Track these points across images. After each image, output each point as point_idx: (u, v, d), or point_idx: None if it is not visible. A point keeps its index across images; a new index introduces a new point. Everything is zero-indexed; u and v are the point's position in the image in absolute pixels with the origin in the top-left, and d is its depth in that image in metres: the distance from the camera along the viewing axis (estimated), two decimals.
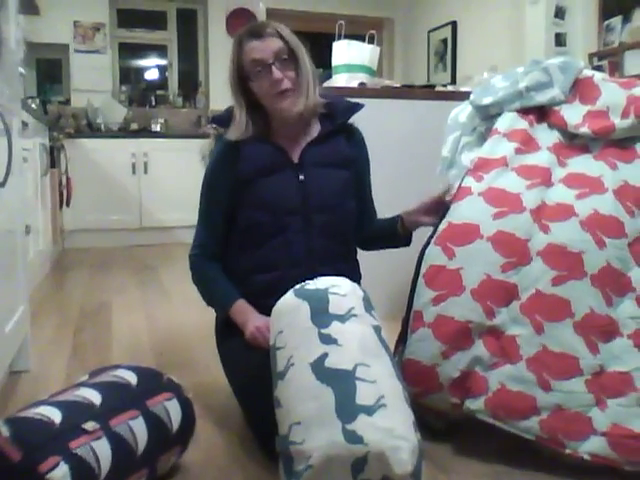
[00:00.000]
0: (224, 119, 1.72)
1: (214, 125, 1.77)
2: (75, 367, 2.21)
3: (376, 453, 1.13)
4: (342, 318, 1.35)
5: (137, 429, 1.29)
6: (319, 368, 1.25)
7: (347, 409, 1.18)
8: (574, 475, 1.43)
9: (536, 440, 1.44)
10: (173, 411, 1.41)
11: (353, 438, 1.14)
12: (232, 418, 1.75)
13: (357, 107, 1.76)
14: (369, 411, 1.17)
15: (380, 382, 1.24)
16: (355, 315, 1.36)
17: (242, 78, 1.64)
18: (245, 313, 1.63)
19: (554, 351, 1.45)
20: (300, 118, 1.66)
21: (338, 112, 1.74)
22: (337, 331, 1.32)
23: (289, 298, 1.43)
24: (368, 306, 1.43)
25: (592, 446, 1.41)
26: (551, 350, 1.45)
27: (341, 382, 1.22)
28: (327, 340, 1.30)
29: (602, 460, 1.40)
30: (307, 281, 1.46)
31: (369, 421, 1.16)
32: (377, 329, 1.38)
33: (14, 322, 2.01)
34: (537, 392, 1.43)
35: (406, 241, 1.85)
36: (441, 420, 1.65)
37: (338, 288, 1.42)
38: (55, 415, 1.19)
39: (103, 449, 1.19)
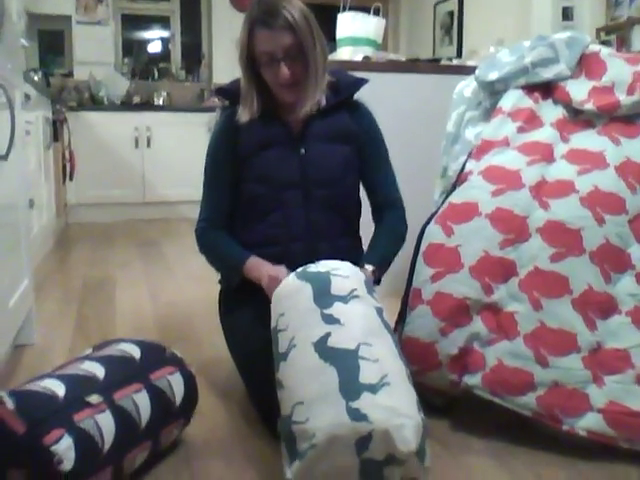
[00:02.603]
0: (230, 92, 1.72)
1: (219, 97, 1.76)
2: (79, 341, 2.23)
3: (381, 431, 1.12)
4: (344, 299, 1.35)
5: (140, 402, 1.31)
6: (322, 347, 1.25)
7: (351, 387, 1.18)
8: (570, 451, 1.46)
9: (533, 416, 1.46)
10: (176, 385, 1.43)
11: (357, 416, 1.13)
12: (235, 392, 1.78)
13: (361, 82, 1.75)
14: (373, 389, 1.17)
15: (383, 361, 1.24)
16: (357, 296, 1.36)
17: (252, 61, 1.63)
18: (259, 267, 1.62)
19: (552, 327, 1.46)
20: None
21: (342, 87, 1.73)
22: (340, 311, 1.32)
23: (290, 281, 1.43)
24: (370, 288, 1.43)
25: (588, 423, 1.42)
26: (549, 326, 1.46)
27: (344, 361, 1.22)
28: (330, 320, 1.30)
29: (598, 437, 1.42)
30: (309, 264, 1.46)
31: (373, 399, 1.16)
32: (379, 310, 1.38)
33: (18, 296, 2.02)
34: (534, 368, 1.45)
35: None
36: (440, 397, 1.67)
37: (340, 270, 1.42)
38: (59, 388, 1.21)
39: (107, 422, 1.21)
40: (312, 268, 1.44)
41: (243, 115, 1.66)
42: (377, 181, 1.77)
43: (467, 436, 1.55)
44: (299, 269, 1.45)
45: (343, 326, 1.29)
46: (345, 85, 1.73)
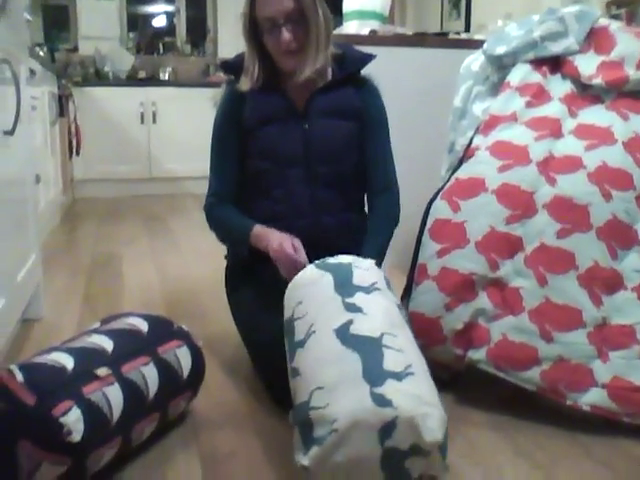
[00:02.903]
0: (234, 65, 1.71)
1: (223, 71, 1.76)
2: (87, 315, 2.25)
3: (406, 418, 1.07)
4: (367, 290, 1.32)
5: (148, 375, 1.32)
6: (344, 334, 1.21)
7: (375, 373, 1.13)
8: (573, 426, 1.47)
9: (537, 391, 1.47)
10: (183, 358, 1.44)
11: (382, 401, 1.08)
12: (241, 365, 1.79)
13: (368, 58, 1.73)
14: (398, 377, 1.12)
15: (407, 352, 1.20)
16: (378, 289, 1.34)
17: (255, 29, 1.62)
18: (265, 235, 1.61)
19: (557, 303, 1.46)
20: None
21: (349, 62, 1.71)
22: (362, 301, 1.28)
23: (309, 271, 1.40)
24: (388, 284, 1.41)
25: (592, 397, 1.43)
26: (554, 302, 1.47)
27: (368, 347, 1.18)
28: (352, 309, 1.26)
29: (602, 411, 1.43)
30: (328, 257, 1.43)
31: (398, 386, 1.11)
32: (399, 307, 1.35)
33: (26, 271, 2.04)
34: (539, 343, 1.45)
35: None
36: (444, 371, 1.68)
37: (361, 263, 1.41)
38: (68, 361, 1.22)
39: (115, 394, 1.23)
40: (332, 260, 1.41)
41: (244, 84, 1.65)
42: (374, 162, 1.73)
43: (471, 409, 1.56)
44: (318, 261, 1.42)
45: (366, 315, 1.25)
46: (352, 60, 1.72)
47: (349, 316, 1.24)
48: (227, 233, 1.74)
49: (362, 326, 1.22)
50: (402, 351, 1.19)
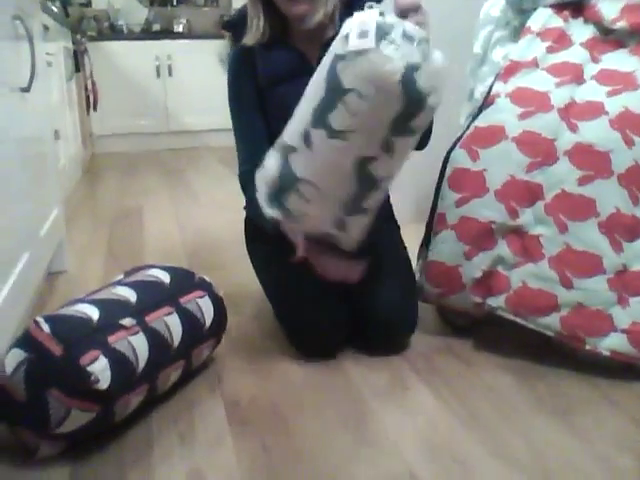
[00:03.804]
0: (237, 22, 1.64)
1: (226, 30, 1.69)
2: (110, 267, 2.29)
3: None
4: None
5: (172, 324, 1.35)
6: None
7: None
8: (592, 370, 1.48)
9: (556, 336, 1.48)
10: (205, 307, 1.47)
11: None
12: (263, 314, 1.82)
13: (377, 1, 1.67)
14: None
15: None
16: None
17: None
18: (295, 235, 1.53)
19: (577, 250, 1.46)
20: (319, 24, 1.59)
21: (358, 6, 1.65)
22: None
23: None
24: None
25: (612, 343, 1.44)
26: (574, 249, 1.46)
27: None
28: None
29: (621, 357, 1.44)
30: None
31: None
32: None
33: (49, 225, 2.07)
34: (558, 290, 1.46)
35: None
36: (463, 318, 1.70)
37: None
38: (93, 312, 1.25)
39: (140, 343, 1.26)
40: None
41: (249, 38, 1.59)
42: None
43: (490, 355, 1.58)
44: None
45: None
46: (360, 3, 1.65)
47: None
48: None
49: None
50: None
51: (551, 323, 1.47)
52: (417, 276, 1.70)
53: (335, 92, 1.22)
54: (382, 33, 1.20)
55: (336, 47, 1.25)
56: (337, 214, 1.37)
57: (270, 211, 1.38)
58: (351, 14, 1.60)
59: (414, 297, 1.66)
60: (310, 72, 1.57)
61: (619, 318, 1.44)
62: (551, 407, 1.35)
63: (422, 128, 1.30)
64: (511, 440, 1.24)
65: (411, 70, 1.19)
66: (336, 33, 1.56)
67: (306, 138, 1.29)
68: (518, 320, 1.51)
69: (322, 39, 1.60)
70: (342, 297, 1.59)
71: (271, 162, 1.38)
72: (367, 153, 1.28)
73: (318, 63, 1.57)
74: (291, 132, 1.35)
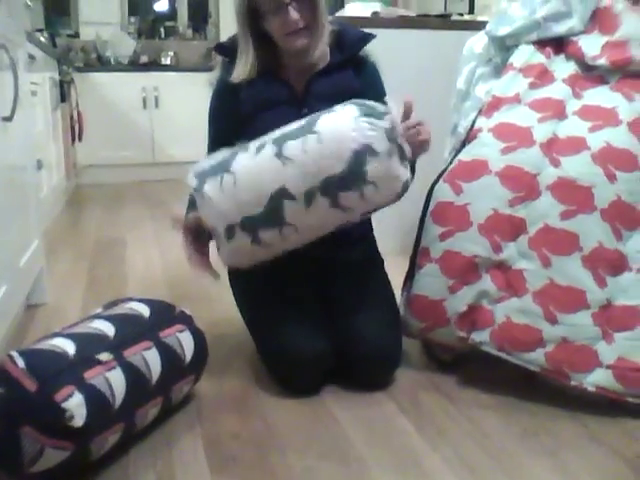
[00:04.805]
0: (228, 48, 1.66)
1: (218, 53, 1.71)
2: (91, 300, 2.25)
3: None
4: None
5: (150, 359, 1.32)
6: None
7: None
8: (578, 406, 1.47)
9: (541, 372, 1.47)
10: (186, 342, 1.44)
11: None
12: (244, 349, 1.79)
13: (369, 37, 1.68)
14: None
15: None
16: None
17: (252, 12, 1.55)
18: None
19: (561, 284, 1.46)
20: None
21: (348, 43, 1.67)
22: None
23: None
24: None
25: (597, 378, 1.43)
26: (558, 283, 1.46)
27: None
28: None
29: (606, 392, 1.43)
30: None
31: None
32: None
33: (28, 256, 2.04)
34: (543, 325, 1.45)
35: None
36: (448, 353, 1.68)
37: None
38: (69, 347, 1.22)
39: (117, 379, 1.23)
40: None
41: (237, 72, 1.60)
42: None
43: (475, 391, 1.56)
44: None
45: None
46: (350, 41, 1.66)
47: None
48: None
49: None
50: None
51: (536, 358, 1.46)
52: (401, 310, 1.68)
53: (356, 179, 1.36)
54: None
55: (369, 138, 1.36)
56: (298, 246, 1.50)
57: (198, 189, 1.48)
58: (341, 50, 1.63)
59: (398, 331, 1.65)
60: (295, 101, 1.59)
61: (604, 353, 1.43)
62: (538, 445, 1.33)
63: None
64: None
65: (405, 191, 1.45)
66: (326, 66, 1.59)
67: (309, 198, 1.38)
68: (503, 355, 1.50)
69: (310, 71, 1.62)
70: (325, 331, 1.57)
71: (253, 189, 1.42)
72: (352, 219, 1.46)
73: (304, 94, 1.60)
74: (290, 180, 1.38)
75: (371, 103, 1.42)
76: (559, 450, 1.31)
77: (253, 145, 1.45)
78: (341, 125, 1.38)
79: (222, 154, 1.49)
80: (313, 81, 1.63)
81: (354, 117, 1.38)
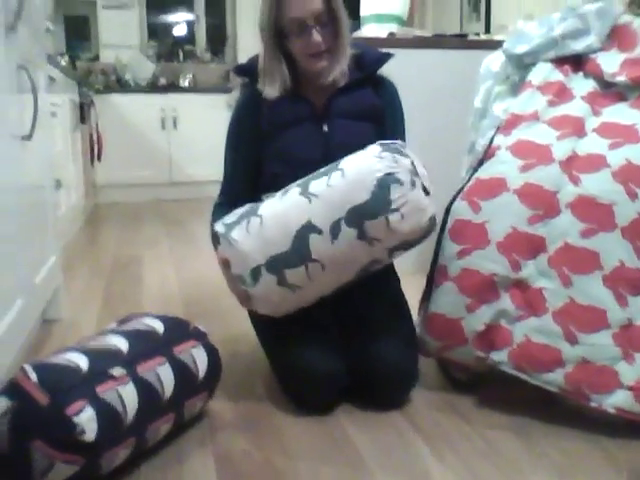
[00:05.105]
0: (249, 69, 1.68)
1: (237, 74, 1.73)
2: (106, 316, 2.25)
3: None
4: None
5: (164, 375, 1.31)
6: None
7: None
8: (596, 428, 1.43)
9: (560, 393, 1.43)
10: (199, 358, 1.43)
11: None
12: (259, 367, 1.78)
13: (387, 57, 1.69)
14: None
15: None
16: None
17: (278, 31, 1.57)
18: None
19: (582, 304, 1.43)
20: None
21: (367, 62, 1.69)
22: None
23: None
24: None
25: (617, 400, 1.39)
26: (578, 303, 1.43)
27: None
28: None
29: (627, 414, 1.39)
30: None
31: None
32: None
33: (45, 273, 2.04)
34: (563, 345, 1.42)
35: None
36: (465, 373, 1.65)
37: None
38: (82, 361, 1.21)
39: (129, 394, 1.22)
40: None
41: (271, 90, 1.61)
42: None
43: (491, 412, 1.53)
44: None
45: None
46: (370, 60, 1.69)
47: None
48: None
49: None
50: None
51: (555, 379, 1.42)
52: (418, 329, 1.66)
53: (382, 206, 1.36)
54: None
55: (393, 168, 1.39)
56: (326, 293, 1.50)
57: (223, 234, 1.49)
58: (361, 69, 1.64)
59: (415, 351, 1.62)
60: (316, 119, 1.60)
61: (625, 374, 1.40)
62: (554, 467, 1.30)
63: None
64: None
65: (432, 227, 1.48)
66: (346, 84, 1.60)
67: (334, 230, 1.38)
68: (521, 375, 1.46)
69: (330, 89, 1.64)
70: (341, 349, 1.55)
71: (280, 227, 1.42)
72: (380, 257, 1.45)
73: (324, 111, 1.61)
74: (316, 213, 1.40)
75: (394, 143, 1.46)
76: (576, 472, 1.28)
77: (279, 193, 1.48)
78: (365, 159, 1.42)
79: (248, 205, 1.53)
80: (333, 99, 1.64)
81: (378, 151, 1.42)
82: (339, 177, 1.41)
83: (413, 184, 1.39)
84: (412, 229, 1.40)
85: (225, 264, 1.51)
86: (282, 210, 1.44)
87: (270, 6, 1.55)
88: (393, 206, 1.36)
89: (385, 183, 1.36)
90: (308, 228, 1.39)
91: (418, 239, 1.46)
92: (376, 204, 1.36)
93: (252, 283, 1.43)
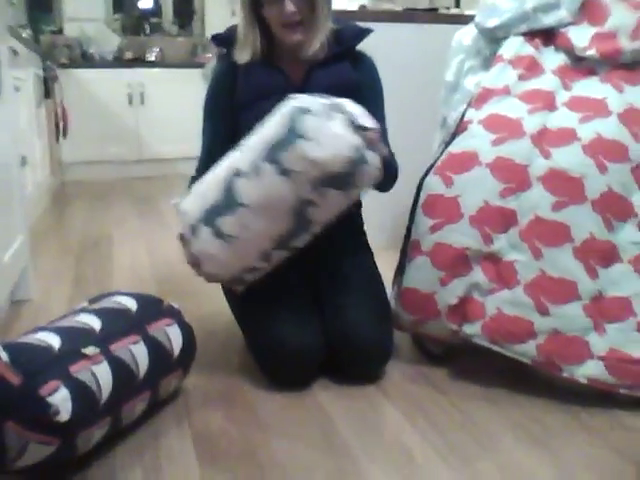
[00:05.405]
0: (225, 39, 1.66)
1: (215, 44, 1.70)
2: (77, 296, 2.22)
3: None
4: None
5: (138, 353, 1.30)
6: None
7: None
8: (569, 398, 1.46)
9: (532, 364, 1.46)
10: (174, 336, 1.42)
11: None
12: (233, 344, 1.78)
13: (366, 32, 1.68)
14: None
15: None
16: None
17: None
18: None
19: (552, 276, 1.45)
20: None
21: (346, 37, 1.66)
22: None
23: None
24: None
25: (589, 370, 1.42)
26: (549, 275, 1.45)
27: None
28: None
29: (598, 384, 1.42)
30: None
31: None
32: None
33: (13, 253, 2.01)
34: (534, 316, 1.44)
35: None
36: (439, 346, 1.67)
37: None
38: (54, 340, 1.19)
39: (104, 373, 1.20)
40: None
41: (242, 55, 1.60)
42: None
43: (466, 383, 1.56)
44: None
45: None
46: (349, 35, 1.66)
47: None
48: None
49: None
50: None
51: (527, 350, 1.45)
52: (392, 304, 1.67)
53: (294, 136, 1.33)
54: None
55: (306, 102, 1.37)
56: (266, 246, 1.44)
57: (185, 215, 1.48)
58: (339, 43, 1.61)
59: (389, 325, 1.63)
60: (292, 90, 1.58)
61: (596, 345, 1.42)
62: (529, 436, 1.32)
63: (357, 191, 1.42)
64: (489, 471, 1.20)
65: (359, 161, 1.34)
66: (324, 58, 1.58)
67: (256, 168, 1.37)
68: (494, 348, 1.48)
69: (309, 63, 1.62)
70: (316, 325, 1.56)
71: (213, 180, 1.46)
72: (308, 197, 1.36)
73: (302, 83, 1.58)
74: (242, 159, 1.41)
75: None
76: (550, 440, 1.31)
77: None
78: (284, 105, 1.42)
79: (206, 188, 1.49)
80: (312, 72, 1.62)
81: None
82: (266, 125, 1.42)
83: (329, 116, 1.34)
84: (330, 157, 1.31)
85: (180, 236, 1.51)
86: (219, 167, 1.46)
87: None
88: (306, 135, 1.32)
89: (298, 115, 1.34)
90: (234, 174, 1.40)
91: (348, 175, 1.34)
92: (290, 136, 1.34)
93: (192, 240, 1.45)
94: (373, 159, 1.36)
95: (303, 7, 1.53)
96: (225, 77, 1.65)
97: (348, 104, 1.39)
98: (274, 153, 1.35)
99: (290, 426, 1.37)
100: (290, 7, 1.51)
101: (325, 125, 1.32)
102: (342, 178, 1.34)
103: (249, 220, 1.39)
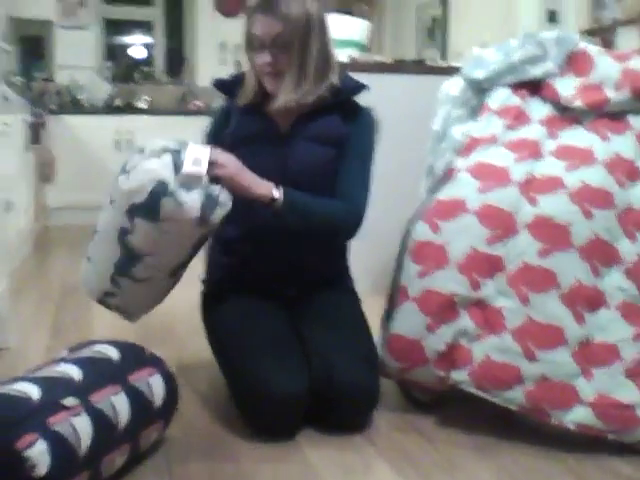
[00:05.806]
0: (228, 85, 1.72)
1: (216, 89, 1.76)
2: (56, 344, 2.17)
3: None
4: None
5: (118, 404, 1.26)
6: None
7: None
8: (558, 445, 1.44)
9: (520, 410, 1.45)
10: (156, 386, 1.38)
11: None
12: (216, 393, 1.74)
13: (361, 87, 1.69)
14: None
15: None
16: None
17: (249, 46, 1.61)
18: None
19: (539, 322, 1.45)
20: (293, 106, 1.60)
21: (342, 91, 1.66)
22: None
23: None
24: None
25: (577, 416, 1.41)
26: (536, 321, 1.45)
27: None
28: None
29: (587, 430, 1.41)
30: None
31: None
32: None
33: None
34: (522, 362, 1.43)
35: None
36: (425, 394, 1.64)
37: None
38: (33, 391, 1.16)
39: (83, 425, 1.17)
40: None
41: (241, 98, 1.66)
42: (340, 173, 1.64)
43: (453, 431, 1.54)
44: None
45: None
46: (345, 89, 1.67)
47: None
48: None
49: None
50: None
51: (516, 397, 1.43)
52: (379, 350, 1.64)
53: (120, 170, 1.50)
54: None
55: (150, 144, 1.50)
56: (111, 271, 1.54)
57: None
58: (335, 96, 1.62)
59: (376, 372, 1.60)
60: (277, 139, 1.59)
61: (584, 390, 1.42)
62: None
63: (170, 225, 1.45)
64: None
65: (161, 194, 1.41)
66: (314, 109, 1.60)
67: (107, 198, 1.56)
68: (482, 394, 1.47)
69: (297, 112, 1.63)
70: (301, 371, 1.52)
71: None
72: (124, 225, 1.47)
73: (289, 133, 1.59)
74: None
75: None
76: None
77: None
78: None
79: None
80: (298, 122, 1.63)
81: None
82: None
83: (155, 155, 1.44)
84: (134, 188, 1.42)
85: None
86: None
87: (246, 20, 1.60)
88: (125, 170, 1.47)
89: (131, 154, 1.50)
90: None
91: (150, 206, 1.41)
92: (120, 170, 1.49)
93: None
94: (187, 197, 1.40)
95: (281, 60, 1.56)
96: (220, 120, 1.71)
97: (193, 149, 1.44)
98: (111, 186, 1.52)
99: (275, 479, 1.33)
100: (265, 58, 1.56)
101: (141, 162, 1.43)
102: (145, 208, 1.41)
103: (96, 246, 1.59)
